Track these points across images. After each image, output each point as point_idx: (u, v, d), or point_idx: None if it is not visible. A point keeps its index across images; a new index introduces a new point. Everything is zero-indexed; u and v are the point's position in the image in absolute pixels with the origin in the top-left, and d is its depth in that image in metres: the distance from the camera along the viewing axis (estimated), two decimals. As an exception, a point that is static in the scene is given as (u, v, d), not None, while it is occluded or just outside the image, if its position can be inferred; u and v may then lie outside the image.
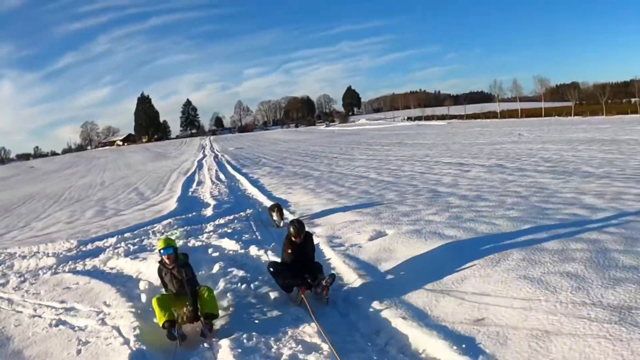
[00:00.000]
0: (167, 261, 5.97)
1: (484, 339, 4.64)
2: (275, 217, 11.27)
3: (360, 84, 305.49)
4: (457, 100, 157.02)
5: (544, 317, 4.71)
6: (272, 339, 5.31)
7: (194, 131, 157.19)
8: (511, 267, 6.11)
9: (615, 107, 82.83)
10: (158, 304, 5.73)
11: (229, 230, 10.90)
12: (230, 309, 6.39)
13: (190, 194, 20.59)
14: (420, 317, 5.37)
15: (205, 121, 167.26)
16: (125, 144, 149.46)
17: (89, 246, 11.16)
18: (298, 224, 6.78)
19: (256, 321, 5.98)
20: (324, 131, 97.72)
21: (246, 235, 10.37)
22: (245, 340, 5.25)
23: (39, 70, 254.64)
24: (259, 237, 10.30)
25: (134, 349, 5.27)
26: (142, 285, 7.55)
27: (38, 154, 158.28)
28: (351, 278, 6.90)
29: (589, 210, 8.74)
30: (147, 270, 8.22)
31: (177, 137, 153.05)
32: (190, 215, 13.70)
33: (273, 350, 5.08)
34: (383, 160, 25.08)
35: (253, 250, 8.87)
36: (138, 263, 8.78)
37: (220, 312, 6.04)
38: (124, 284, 7.73)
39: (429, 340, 4.83)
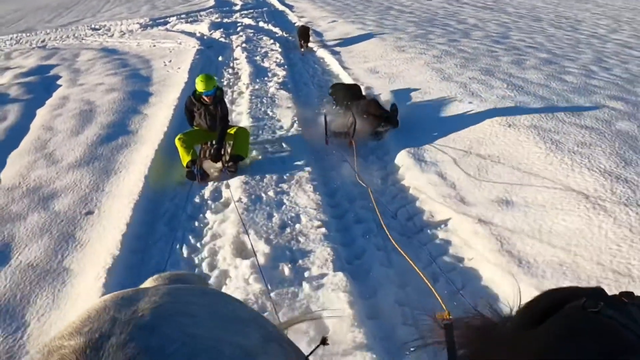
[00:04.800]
0: (207, 101, 5.73)
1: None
2: (301, 42, 11.91)
3: None
4: None
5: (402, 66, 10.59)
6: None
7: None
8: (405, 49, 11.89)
9: None
10: (180, 143, 5.60)
11: (249, 16, 16.84)
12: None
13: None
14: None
15: None
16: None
17: (158, 20, 17.11)
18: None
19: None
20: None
21: (259, 19, 16.35)
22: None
23: None
24: (266, 20, 16.26)
25: (198, 54, 11.32)
26: (198, 32, 13.71)
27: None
28: (327, 54, 12.49)
29: (466, 21, 14.25)
30: (199, 28, 14.45)
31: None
32: (224, 8, 19.47)
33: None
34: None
35: (261, 23, 14.99)
36: (194, 26, 15.00)
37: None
38: (187, 34, 13.79)
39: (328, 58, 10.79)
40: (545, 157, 5.24)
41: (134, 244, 4.32)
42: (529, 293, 2.99)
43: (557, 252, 3.86)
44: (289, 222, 4.53)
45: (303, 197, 4.94)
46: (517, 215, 4.37)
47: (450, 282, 3.77)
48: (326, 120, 6.41)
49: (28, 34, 17.76)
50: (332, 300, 3.41)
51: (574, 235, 4.02)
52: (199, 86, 5.67)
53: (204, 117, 5.84)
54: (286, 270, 3.85)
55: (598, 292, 1.11)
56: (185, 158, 5.56)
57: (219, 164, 5.74)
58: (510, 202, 4.61)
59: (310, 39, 11.98)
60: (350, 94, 7.14)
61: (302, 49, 11.68)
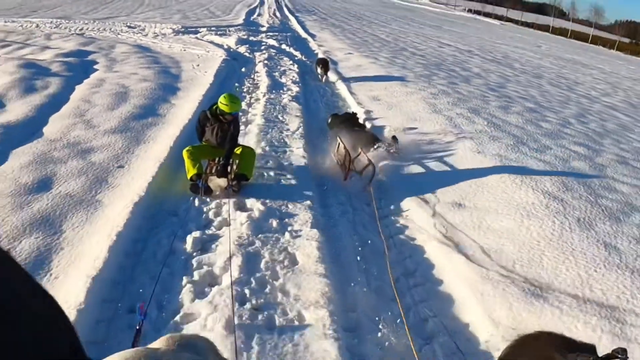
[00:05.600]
0: (228, 119, 5.80)
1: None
2: (319, 71, 12.36)
3: None
4: (527, 7, 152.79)
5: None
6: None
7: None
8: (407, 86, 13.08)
9: None
10: (188, 155, 5.64)
11: (274, 38, 18.12)
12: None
13: (251, 19, 27.27)
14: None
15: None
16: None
17: (189, 29, 18.43)
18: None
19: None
20: (385, 1, 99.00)
21: (282, 42, 17.58)
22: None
23: None
24: (289, 43, 17.49)
25: (224, 63, 12.49)
26: (226, 44, 14.93)
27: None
28: (335, 77, 13.67)
29: (471, 69, 15.50)
30: (227, 40, 15.67)
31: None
32: (251, 28, 20.83)
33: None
34: (405, 32, 30.94)
35: (283, 45, 16.23)
36: (222, 38, 16.28)
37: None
38: (215, 45, 15.03)
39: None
40: (500, 177, 6.30)
41: (156, 193, 5.32)
42: (458, 262, 4.06)
43: (488, 241, 4.88)
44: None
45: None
46: (465, 214, 5.41)
47: (401, 252, 4.79)
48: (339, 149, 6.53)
49: (67, 21, 19.06)
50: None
51: (505, 231, 5.06)
52: (226, 107, 5.67)
53: (216, 133, 5.84)
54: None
55: (591, 348, 1.20)
56: (190, 170, 5.57)
57: (223, 182, 5.73)
58: (463, 205, 5.64)
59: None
60: (348, 125, 7.51)
61: (322, 79, 12.18)
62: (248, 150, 5.97)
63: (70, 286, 3.66)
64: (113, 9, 29.46)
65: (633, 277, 4.44)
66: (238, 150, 5.90)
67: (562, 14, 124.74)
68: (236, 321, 3.48)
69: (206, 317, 3.57)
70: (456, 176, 6.45)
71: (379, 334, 3.70)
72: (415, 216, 5.49)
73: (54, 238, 4.33)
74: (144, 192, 5.12)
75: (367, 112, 9.40)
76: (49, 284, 3.76)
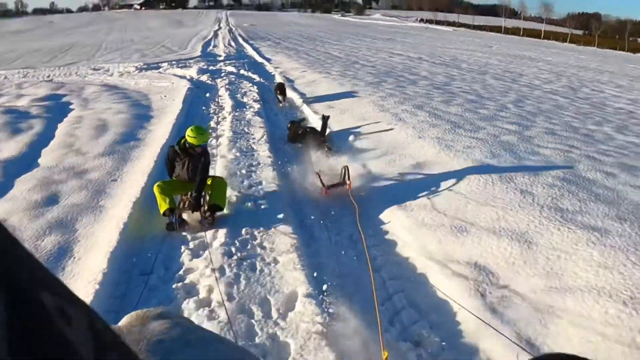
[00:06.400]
0: (197, 152, 5.79)
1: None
2: (279, 97, 12.54)
3: None
4: (478, 10, 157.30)
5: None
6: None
7: (212, 4, 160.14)
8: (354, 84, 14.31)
9: (631, 44, 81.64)
10: (159, 190, 5.62)
11: (232, 65, 19.29)
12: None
13: (208, 50, 28.40)
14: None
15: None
16: (143, 8, 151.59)
17: (152, 65, 19.47)
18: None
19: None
20: (337, 20, 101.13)
21: (240, 68, 18.73)
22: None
23: None
24: (247, 69, 18.65)
25: (189, 91, 13.53)
26: (188, 75, 15.99)
27: (54, 10, 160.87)
28: (294, 94, 14.87)
29: (419, 74, 16.86)
30: (189, 72, 16.73)
31: (195, 7, 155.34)
32: (209, 58, 21.98)
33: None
34: (357, 48, 32.39)
35: (242, 71, 17.32)
36: (184, 70, 17.35)
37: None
38: (178, 77, 16.08)
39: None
40: (437, 154, 7.50)
41: (148, 197, 6.31)
42: (400, 215, 5.24)
43: (424, 199, 6.02)
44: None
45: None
46: (394, 167, 6.56)
47: (374, 235, 5.86)
48: (320, 175, 6.79)
49: (33, 70, 19.90)
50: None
51: (438, 191, 6.20)
52: (194, 140, 5.70)
53: (186, 167, 5.82)
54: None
55: None
56: (163, 205, 5.55)
57: (197, 215, 5.69)
58: (402, 175, 6.80)
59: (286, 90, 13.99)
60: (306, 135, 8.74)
61: (281, 104, 12.46)
62: (219, 180, 6.01)
63: (92, 263, 4.64)
64: (73, 55, 30.32)
65: (542, 210, 5.60)
66: (208, 181, 5.89)
67: (513, 14, 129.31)
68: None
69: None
70: (402, 157, 7.62)
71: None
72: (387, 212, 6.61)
73: (71, 235, 5.29)
74: (139, 194, 6.12)
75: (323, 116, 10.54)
76: (74, 263, 4.73)
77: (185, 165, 5.84)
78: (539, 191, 6.13)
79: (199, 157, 5.80)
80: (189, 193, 5.81)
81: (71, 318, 0.38)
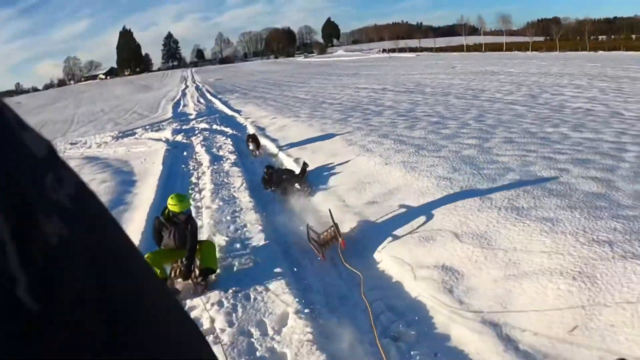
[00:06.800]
0: (181, 219, 5.87)
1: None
2: (251, 147, 12.91)
3: (345, 13, 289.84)
4: (438, 32, 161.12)
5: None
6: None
7: (175, 63, 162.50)
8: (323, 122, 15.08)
9: (590, 44, 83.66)
10: (150, 263, 5.34)
11: (204, 121, 20.05)
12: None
13: (179, 111, 29.18)
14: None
15: (187, 53, 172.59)
16: (108, 77, 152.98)
17: (127, 132, 20.13)
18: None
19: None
20: (301, 62, 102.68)
21: (212, 123, 19.49)
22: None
23: (12, 5, 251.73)
24: (218, 123, 19.40)
25: (167, 152, 14.17)
26: (163, 137, 16.66)
27: (20, 91, 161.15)
28: (267, 141, 15.55)
29: (384, 104, 17.73)
30: (164, 134, 17.42)
31: (159, 69, 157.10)
32: (181, 118, 22.75)
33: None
34: (323, 87, 33.42)
35: (214, 126, 18.02)
36: (159, 133, 18.04)
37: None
38: (154, 140, 16.74)
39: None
40: (404, 177, 8.19)
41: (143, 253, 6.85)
42: (395, 245, 5.87)
43: (394, 216, 6.67)
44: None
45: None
46: (376, 205, 7.22)
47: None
48: (309, 235, 6.63)
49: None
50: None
51: (406, 207, 6.87)
52: (175, 207, 5.82)
53: (173, 235, 5.88)
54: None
55: None
56: None
57: (189, 282, 5.74)
58: (376, 202, 7.46)
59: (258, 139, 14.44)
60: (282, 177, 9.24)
61: (254, 154, 12.82)
62: (207, 244, 6.07)
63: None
64: (47, 133, 30.51)
65: (499, 211, 6.27)
66: (205, 244, 5.99)
67: (474, 30, 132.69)
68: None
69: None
70: (369, 184, 8.31)
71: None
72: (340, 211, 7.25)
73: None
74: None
75: (296, 160, 11.22)
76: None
77: (171, 233, 5.90)
78: (497, 195, 6.81)
79: (185, 225, 5.87)
80: (179, 261, 5.87)
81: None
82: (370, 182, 8.50)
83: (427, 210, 6.70)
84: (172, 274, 5.87)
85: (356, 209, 7.48)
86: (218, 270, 5.92)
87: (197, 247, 5.90)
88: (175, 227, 5.89)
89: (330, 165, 10.11)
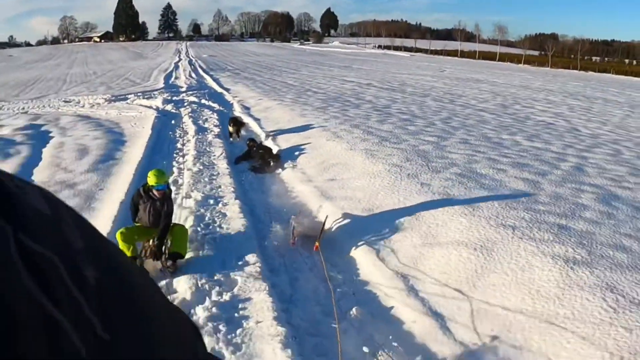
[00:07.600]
0: (157, 195, 5.84)
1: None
2: (230, 129, 13.06)
3: (345, 4, 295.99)
4: (437, 34, 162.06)
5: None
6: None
7: (171, 35, 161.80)
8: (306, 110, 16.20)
9: (582, 63, 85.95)
10: (122, 238, 5.57)
11: (193, 95, 21.10)
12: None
13: (170, 82, 30.02)
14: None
15: (184, 26, 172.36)
16: (102, 41, 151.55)
17: (119, 97, 21.05)
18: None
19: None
20: (296, 49, 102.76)
21: (201, 97, 20.56)
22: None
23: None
24: (207, 98, 20.45)
25: (157, 119, 15.17)
26: (154, 105, 17.66)
27: (12, 44, 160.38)
28: (248, 118, 16.62)
29: (364, 98, 18.90)
30: (155, 102, 18.42)
31: (154, 39, 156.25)
32: (172, 90, 23.71)
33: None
34: (312, 76, 34.38)
35: (203, 100, 19.11)
36: (150, 101, 19.02)
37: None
38: (145, 107, 17.72)
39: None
40: (363, 161, 9.38)
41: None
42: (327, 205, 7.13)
43: (347, 193, 7.86)
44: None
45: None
46: (333, 182, 8.40)
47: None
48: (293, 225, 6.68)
49: (7, 103, 21.21)
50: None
51: (359, 187, 8.07)
52: (151, 180, 5.81)
53: (148, 211, 5.88)
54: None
55: None
56: (125, 253, 5.24)
57: (159, 264, 5.71)
58: (335, 179, 8.65)
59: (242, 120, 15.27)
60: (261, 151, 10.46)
61: (232, 139, 12.93)
62: (179, 228, 6.02)
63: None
64: (40, 89, 31.48)
65: (433, 196, 7.48)
66: (176, 229, 5.98)
67: (470, 37, 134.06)
68: None
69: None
70: (334, 166, 9.49)
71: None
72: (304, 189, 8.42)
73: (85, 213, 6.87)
74: (123, 197, 7.76)
75: (273, 137, 12.36)
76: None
77: (147, 208, 5.89)
78: (436, 183, 8.02)
79: (162, 203, 5.87)
80: (151, 240, 5.86)
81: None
82: (334, 163, 9.65)
83: (372, 190, 7.89)
84: (143, 253, 5.90)
85: (317, 183, 8.65)
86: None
87: (170, 229, 5.89)
88: (151, 202, 5.90)
89: (302, 146, 11.24)
